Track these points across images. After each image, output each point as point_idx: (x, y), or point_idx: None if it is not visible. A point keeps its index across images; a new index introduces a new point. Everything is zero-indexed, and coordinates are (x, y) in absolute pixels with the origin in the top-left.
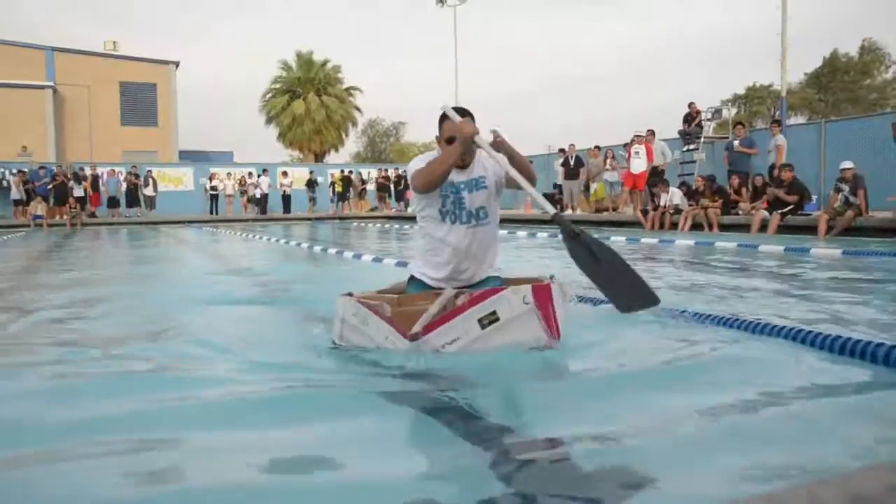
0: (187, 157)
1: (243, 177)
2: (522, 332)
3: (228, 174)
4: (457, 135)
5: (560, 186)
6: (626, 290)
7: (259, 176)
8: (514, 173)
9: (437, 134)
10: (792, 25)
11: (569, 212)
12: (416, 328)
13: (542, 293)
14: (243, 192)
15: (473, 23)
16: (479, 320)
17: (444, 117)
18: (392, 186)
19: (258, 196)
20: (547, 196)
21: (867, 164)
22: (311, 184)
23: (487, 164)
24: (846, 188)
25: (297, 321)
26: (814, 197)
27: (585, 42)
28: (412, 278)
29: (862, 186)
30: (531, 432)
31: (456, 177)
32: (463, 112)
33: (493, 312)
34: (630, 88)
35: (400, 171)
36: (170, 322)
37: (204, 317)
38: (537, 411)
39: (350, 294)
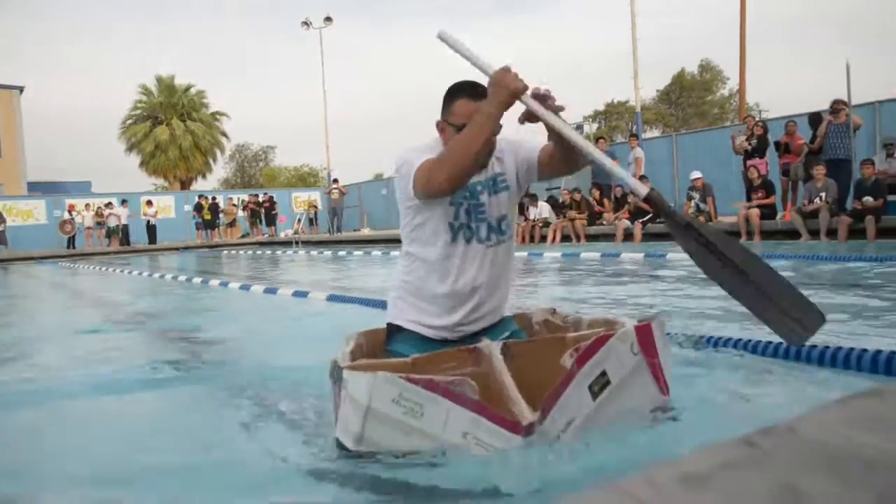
0: (38, 188)
1: (100, 207)
2: (636, 394)
3: (87, 205)
4: (497, 95)
5: None
6: (783, 307)
7: (118, 206)
8: (575, 138)
9: (440, 118)
10: (642, 46)
11: None
12: (528, 414)
13: (646, 337)
14: (101, 224)
15: (341, 44)
16: (590, 387)
17: (454, 92)
18: (263, 211)
19: (117, 227)
20: None
21: (713, 173)
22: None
23: (505, 153)
24: (697, 196)
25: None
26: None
27: (452, 63)
28: (399, 329)
29: (710, 194)
30: None
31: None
32: (475, 89)
33: (604, 373)
34: None
35: (272, 196)
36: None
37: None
38: None
39: (336, 361)
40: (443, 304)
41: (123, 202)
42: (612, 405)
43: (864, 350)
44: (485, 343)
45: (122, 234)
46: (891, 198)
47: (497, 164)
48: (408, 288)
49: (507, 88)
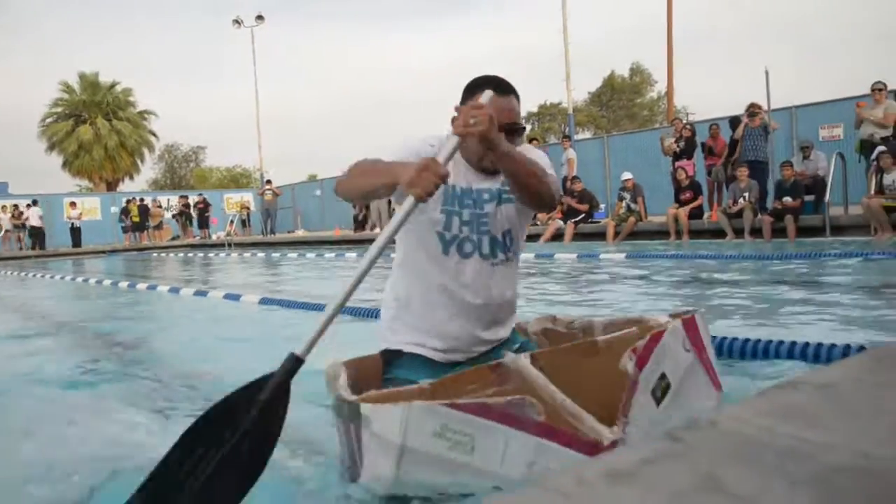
0: None
1: (15, 209)
2: (693, 396)
3: (3, 207)
4: (408, 176)
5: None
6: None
7: (29, 207)
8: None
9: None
10: (574, 49)
11: (377, 230)
12: (603, 431)
13: (694, 332)
14: (17, 227)
15: (273, 43)
16: (653, 393)
17: (478, 86)
18: (195, 213)
19: (29, 228)
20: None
21: (643, 174)
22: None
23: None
24: (628, 196)
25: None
26: (602, 205)
27: (384, 65)
28: (399, 354)
29: (640, 194)
30: None
31: (476, 182)
32: (500, 85)
33: (663, 376)
34: (428, 110)
35: (206, 198)
36: None
37: None
38: None
39: (343, 397)
40: (445, 328)
41: (34, 202)
42: (674, 412)
43: (781, 341)
44: (509, 358)
45: (33, 237)
46: (807, 198)
47: None
48: (402, 306)
49: (412, 182)
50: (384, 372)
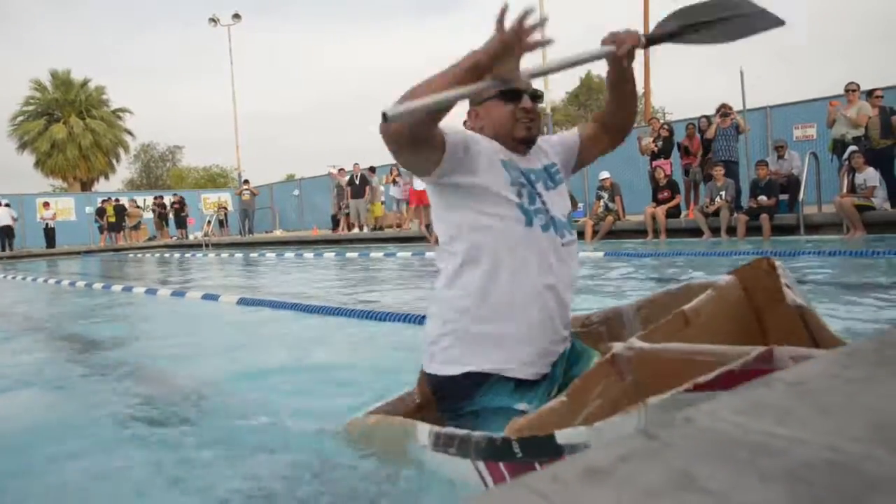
0: None
1: None
2: None
3: None
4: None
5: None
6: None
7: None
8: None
9: (469, 108)
10: (551, 49)
11: (356, 230)
12: None
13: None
14: None
15: (250, 42)
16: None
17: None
18: (171, 213)
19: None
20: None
21: (621, 173)
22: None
23: (542, 145)
24: (605, 195)
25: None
26: (580, 205)
27: (362, 64)
28: (482, 379)
29: (618, 193)
30: None
31: (520, 162)
32: None
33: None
34: None
35: (182, 197)
36: None
37: None
38: None
39: (512, 439)
40: (528, 323)
41: (3, 203)
42: None
43: None
44: (619, 346)
45: (4, 237)
46: (782, 197)
47: (543, 155)
48: (470, 315)
49: (500, 38)
50: (450, 407)
